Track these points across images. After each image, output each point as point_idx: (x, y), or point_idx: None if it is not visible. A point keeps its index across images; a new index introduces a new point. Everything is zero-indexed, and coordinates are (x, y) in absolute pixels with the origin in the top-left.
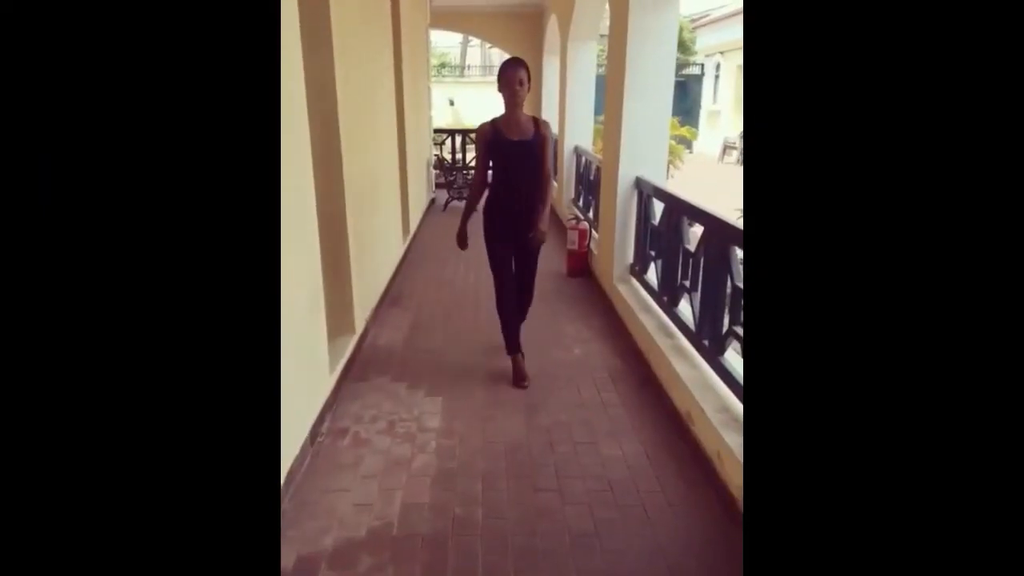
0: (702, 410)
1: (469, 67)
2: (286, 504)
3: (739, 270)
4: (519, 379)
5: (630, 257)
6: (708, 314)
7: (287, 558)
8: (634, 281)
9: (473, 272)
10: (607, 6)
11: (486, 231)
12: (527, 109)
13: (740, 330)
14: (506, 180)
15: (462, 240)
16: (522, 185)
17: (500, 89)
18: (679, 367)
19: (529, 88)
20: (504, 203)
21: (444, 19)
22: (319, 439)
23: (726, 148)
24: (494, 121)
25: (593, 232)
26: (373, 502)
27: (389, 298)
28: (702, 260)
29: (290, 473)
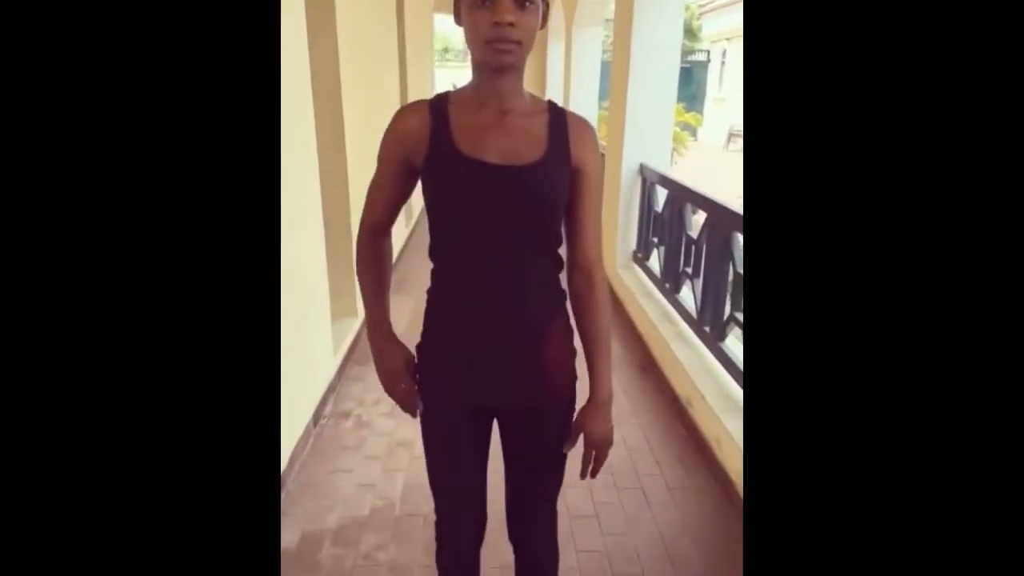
0: (702, 396)
1: None
2: (290, 484)
3: (741, 257)
4: None
5: (633, 244)
6: (710, 300)
7: (292, 536)
8: (636, 267)
9: None
10: None
11: (423, 396)
12: (530, 87)
13: (741, 316)
14: (472, 264)
15: (403, 396)
16: (516, 280)
17: (461, 18)
18: (680, 353)
19: (544, 22)
20: (470, 330)
21: (448, 3)
22: (322, 420)
23: (731, 136)
24: (436, 105)
25: None
26: (376, 482)
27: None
28: (704, 247)
29: (294, 454)
